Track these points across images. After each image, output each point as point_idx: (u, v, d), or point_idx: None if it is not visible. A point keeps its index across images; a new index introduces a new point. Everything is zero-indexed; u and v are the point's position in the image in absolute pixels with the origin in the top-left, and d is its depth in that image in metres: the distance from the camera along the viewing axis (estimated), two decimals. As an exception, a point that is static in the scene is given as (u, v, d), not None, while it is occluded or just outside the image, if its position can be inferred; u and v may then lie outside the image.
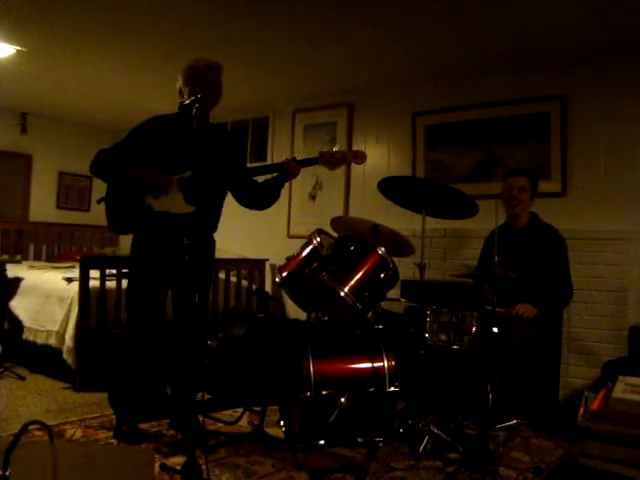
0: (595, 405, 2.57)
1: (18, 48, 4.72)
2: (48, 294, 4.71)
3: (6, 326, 4.96)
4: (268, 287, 5.81)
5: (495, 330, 3.30)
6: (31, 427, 0.92)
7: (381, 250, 3.11)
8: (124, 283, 3.90)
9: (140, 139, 3.11)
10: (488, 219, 3.58)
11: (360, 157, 3.27)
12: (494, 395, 3.15)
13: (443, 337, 3.31)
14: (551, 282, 3.67)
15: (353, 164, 3.41)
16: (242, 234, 6.25)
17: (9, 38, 4.53)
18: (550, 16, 3.74)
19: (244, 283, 5.48)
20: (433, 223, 3.91)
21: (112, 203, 3.17)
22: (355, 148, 5.19)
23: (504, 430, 3.14)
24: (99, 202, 3.22)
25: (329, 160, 3.21)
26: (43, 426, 1.00)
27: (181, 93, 3.12)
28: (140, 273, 3.20)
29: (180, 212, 3.02)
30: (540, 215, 3.94)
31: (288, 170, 3.20)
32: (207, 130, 3.20)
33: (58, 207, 7.31)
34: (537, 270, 3.62)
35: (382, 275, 3.10)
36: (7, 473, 0.82)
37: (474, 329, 3.28)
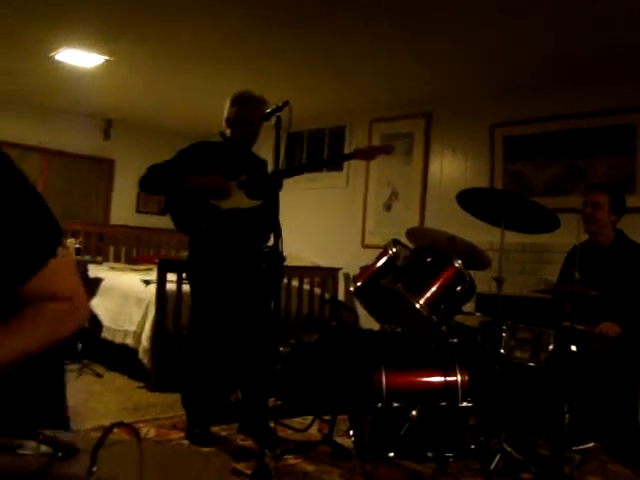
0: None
1: (107, 58, 4.93)
2: (126, 295, 4.89)
3: (86, 324, 5.15)
4: (341, 296, 5.84)
5: (574, 348, 3.20)
6: (108, 423, 0.95)
7: (458, 262, 3.07)
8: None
9: (190, 158, 3.28)
10: (569, 234, 3.48)
11: (389, 148, 3.63)
12: (570, 415, 3.05)
13: (519, 354, 3.23)
14: (637, 302, 3.54)
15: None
16: (316, 242, 6.31)
17: (98, 48, 4.73)
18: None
19: (317, 291, 5.52)
20: (511, 237, 3.83)
21: (177, 209, 3.27)
22: (432, 159, 5.54)
23: (580, 453, 3.04)
24: (163, 212, 3.37)
25: (363, 153, 3.52)
26: (129, 427, 1.03)
27: (227, 124, 3.38)
28: (213, 278, 3.27)
29: (249, 206, 3.20)
30: (626, 231, 3.80)
31: None
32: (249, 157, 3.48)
33: (138, 211, 7.58)
34: (622, 289, 3.49)
35: (458, 288, 3.07)
36: (94, 469, 0.86)
37: (552, 346, 3.19)
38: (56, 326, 1.17)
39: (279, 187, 3.29)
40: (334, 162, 3.59)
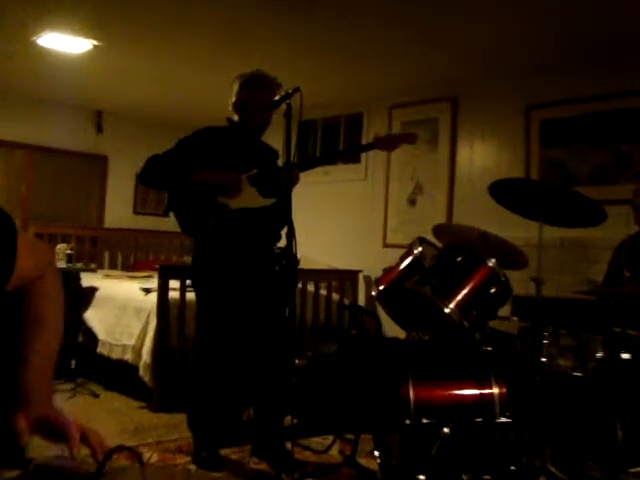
0: None
1: (95, 43, 4.96)
2: (124, 305, 4.91)
3: (80, 339, 5.18)
4: (362, 301, 5.85)
5: (626, 356, 3.18)
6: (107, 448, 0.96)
7: (491, 262, 3.07)
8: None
9: (194, 147, 3.29)
10: (616, 227, 3.47)
11: (412, 137, 3.62)
12: (624, 432, 3.03)
13: (563, 362, 3.22)
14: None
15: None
16: (333, 242, 6.32)
17: (86, 32, 4.77)
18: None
19: (335, 296, 5.52)
20: (550, 232, 3.81)
21: (182, 208, 3.28)
22: (460, 147, 5.54)
23: (635, 476, 3.02)
24: (166, 214, 3.38)
25: (384, 143, 3.54)
26: (130, 452, 1.04)
27: (235, 109, 3.39)
28: (221, 284, 3.28)
29: (261, 205, 3.22)
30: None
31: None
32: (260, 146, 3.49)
33: (135, 212, 7.65)
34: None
35: (492, 290, 3.07)
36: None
37: (599, 354, 3.18)
38: (60, 292, 1.42)
39: (294, 182, 3.30)
40: (353, 154, 3.61)
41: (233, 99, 3.40)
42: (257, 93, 3.33)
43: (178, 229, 3.34)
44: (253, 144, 3.45)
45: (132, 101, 6.82)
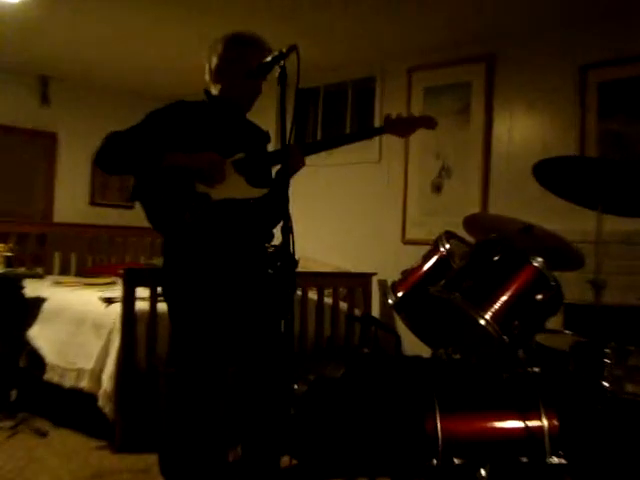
0: None
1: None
2: (80, 320, 4.91)
3: (22, 363, 5.17)
4: (376, 311, 5.88)
5: None
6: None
7: (537, 261, 3.10)
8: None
9: (166, 123, 3.27)
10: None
11: (431, 122, 3.57)
12: None
13: (631, 388, 3.23)
14: None
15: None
16: (339, 239, 6.34)
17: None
18: None
19: (343, 306, 5.54)
20: (612, 223, 3.82)
21: (152, 198, 3.27)
22: (498, 118, 5.58)
23: None
24: (131, 201, 3.37)
25: (396, 126, 3.50)
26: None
27: (217, 76, 3.36)
28: (200, 292, 3.28)
29: (248, 196, 3.22)
30: None
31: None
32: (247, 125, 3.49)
33: (92, 203, 7.67)
34: None
35: (539, 297, 3.09)
36: None
37: (677, 377, 3.19)
38: None
39: (297, 167, 3.31)
40: (356, 139, 3.59)
41: (213, 64, 3.38)
42: (245, 55, 3.30)
43: (147, 224, 3.34)
44: (238, 123, 3.44)
45: (87, 64, 6.81)
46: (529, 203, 4.69)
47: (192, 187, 3.19)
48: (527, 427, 2.99)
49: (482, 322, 2.93)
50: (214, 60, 3.37)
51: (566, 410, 3.12)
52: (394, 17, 5.29)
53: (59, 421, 4.92)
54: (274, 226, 3.29)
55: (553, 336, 3.87)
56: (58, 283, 6.07)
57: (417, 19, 5.33)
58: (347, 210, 6.60)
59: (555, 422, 3.01)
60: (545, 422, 3.00)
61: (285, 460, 3.39)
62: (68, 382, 4.78)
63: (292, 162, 3.18)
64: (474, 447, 2.96)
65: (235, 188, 3.24)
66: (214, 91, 3.40)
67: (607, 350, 3.28)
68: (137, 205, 3.34)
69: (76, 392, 4.69)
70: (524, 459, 2.97)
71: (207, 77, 3.41)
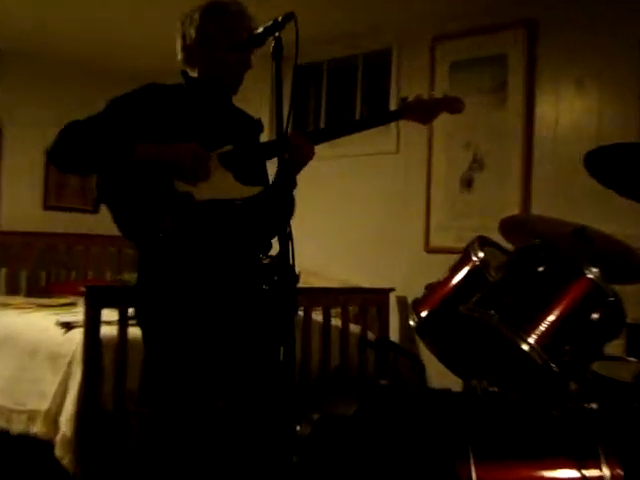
0: None
1: None
2: (31, 351, 4.96)
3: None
4: (395, 335, 5.91)
5: None
6: None
7: (592, 272, 3.12)
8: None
9: (136, 110, 3.31)
10: None
11: (457, 104, 3.60)
12: None
13: None
14: None
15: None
16: (349, 249, 6.41)
17: None
18: None
19: (354, 329, 5.58)
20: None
21: (121, 200, 3.25)
22: (541, 95, 5.54)
23: None
24: (96, 206, 3.42)
25: (415, 110, 3.51)
26: None
27: (195, 53, 3.39)
28: (181, 313, 3.33)
29: (238, 196, 3.25)
30: None
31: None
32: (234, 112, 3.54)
33: (46, 207, 7.71)
34: None
35: (594, 315, 3.11)
36: None
37: None
38: None
39: (305, 159, 3.33)
40: (368, 126, 3.57)
41: (190, 38, 3.38)
42: (228, 24, 3.32)
43: (114, 232, 3.35)
44: (224, 108, 3.48)
45: (41, 33, 6.80)
46: (580, 201, 4.72)
47: (170, 186, 3.20)
48: (584, 478, 2.96)
49: (525, 347, 2.96)
50: (191, 33, 3.36)
51: (631, 456, 3.06)
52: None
53: (5, 475, 4.90)
54: (273, 233, 3.30)
55: (613, 364, 3.80)
56: (5, 305, 6.10)
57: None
58: (357, 212, 6.61)
59: (619, 471, 2.95)
60: (607, 472, 2.94)
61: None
62: (17, 427, 4.81)
63: (297, 153, 3.20)
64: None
65: (222, 186, 3.27)
66: (192, 73, 3.42)
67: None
68: (103, 209, 3.37)
69: (27, 439, 4.73)
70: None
71: (180, 56, 3.43)
